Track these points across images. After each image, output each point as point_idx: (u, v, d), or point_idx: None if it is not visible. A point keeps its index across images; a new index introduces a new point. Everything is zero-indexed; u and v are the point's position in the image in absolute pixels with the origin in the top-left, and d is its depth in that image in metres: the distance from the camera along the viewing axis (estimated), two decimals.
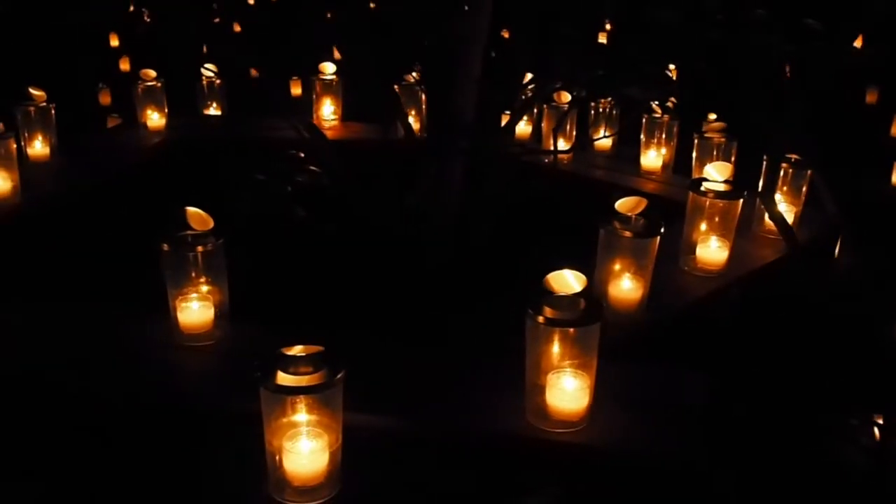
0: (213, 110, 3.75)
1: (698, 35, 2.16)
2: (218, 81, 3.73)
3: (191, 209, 1.81)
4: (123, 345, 1.84)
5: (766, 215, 2.43)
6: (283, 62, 4.50)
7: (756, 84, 2.24)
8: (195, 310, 1.83)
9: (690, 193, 2.19)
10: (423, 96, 3.33)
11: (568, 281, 1.55)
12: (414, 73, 3.38)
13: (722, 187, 2.16)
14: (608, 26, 4.38)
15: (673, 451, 1.55)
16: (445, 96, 2.33)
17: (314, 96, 3.62)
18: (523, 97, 2.67)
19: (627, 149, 3.27)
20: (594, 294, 1.70)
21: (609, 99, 3.29)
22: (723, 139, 2.70)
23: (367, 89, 2.92)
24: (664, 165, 3.08)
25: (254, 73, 4.88)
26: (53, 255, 2.47)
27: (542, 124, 3.32)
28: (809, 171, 2.41)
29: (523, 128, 3.46)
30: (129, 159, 3.24)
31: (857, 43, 4.80)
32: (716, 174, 2.16)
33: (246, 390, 1.57)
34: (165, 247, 1.78)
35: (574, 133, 3.30)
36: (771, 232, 2.44)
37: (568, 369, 1.55)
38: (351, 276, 2.36)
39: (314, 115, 3.59)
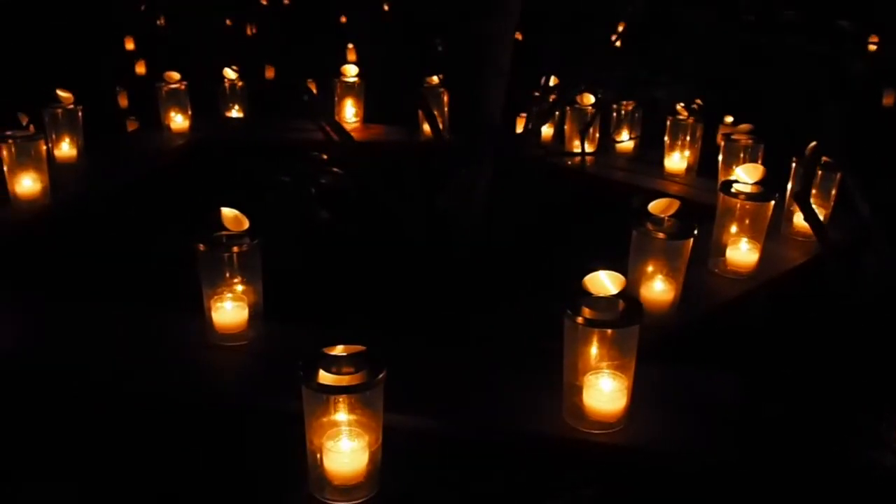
0: (235, 113, 3.76)
1: (729, 36, 2.16)
2: (240, 84, 3.74)
3: (226, 210, 1.82)
4: (158, 344, 1.86)
5: (795, 217, 2.43)
6: (303, 64, 4.51)
7: (790, 85, 2.23)
8: (229, 310, 1.83)
9: (721, 195, 2.19)
10: (446, 98, 3.35)
11: (605, 282, 1.55)
12: (436, 76, 3.39)
13: (753, 189, 2.16)
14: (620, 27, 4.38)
15: (708, 452, 1.55)
16: (473, 98, 2.33)
17: (336, 98, 3.62)
18: (549, 99, 2.66)
19: (650, 151, 3.27)
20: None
21: (632, 101, 3.29)
22: (749, 141, 2.70)
23: (393, 90, 2.93)
24: (688, 168, 3.08)
25: (269, 75, 4.90)
26: (82, 256, 2.49)
27: (565, 126, 3.32)
28: (839, 174, 2.41)
29: (545, 130, 3.46)
30: (153, 161, 3.25)
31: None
32: (746, 176, 2.16)
33: (280, 390, 1.61)
34: (201, 247, 1.79)
35: (597, 135, 3.29)
36: (799, 234, 2.44)
37: (606, 370, 1.55)
38: (377, 276, 2.37)
39: (335, 117, 3.59)
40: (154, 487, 1.55)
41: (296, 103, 3.71)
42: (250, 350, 1.84)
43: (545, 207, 2.61)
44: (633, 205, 2.97)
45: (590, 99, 3.23)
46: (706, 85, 2.60)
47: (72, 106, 3.01)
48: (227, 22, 6.24)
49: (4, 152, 2.58)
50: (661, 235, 1.92)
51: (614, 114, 3.37)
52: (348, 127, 3.55)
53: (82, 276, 2.35)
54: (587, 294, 1.55)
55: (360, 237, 2.60)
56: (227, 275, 1.82)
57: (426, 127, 3.39)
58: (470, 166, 2.29)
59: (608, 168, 3.24)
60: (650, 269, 1.96)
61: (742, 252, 2.18)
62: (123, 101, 4.44)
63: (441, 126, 3.35)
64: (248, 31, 6.25)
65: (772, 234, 2.28)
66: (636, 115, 3.36)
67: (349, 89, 3.64)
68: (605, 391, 1.55)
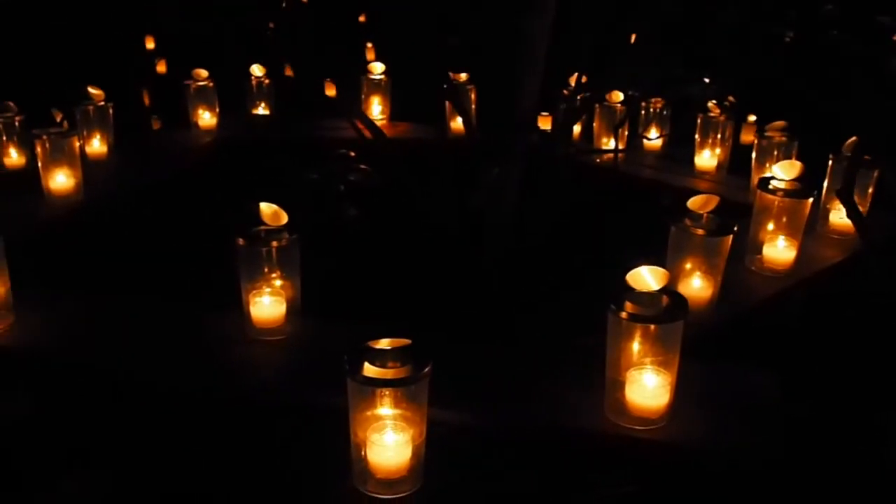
0: (262, 110, 3.76)
1: (764, 34, 2.15)
2: (267, 81, 3.74)
3: (264, 204, 1.82)
4: (196, 339, 1.86)
5: (831, 215, 2.41)
6: (323, 62, 4.51)
7: (831, 82, 2.22)
8: (267, 305, 1.83)
9: (758, 192, 2.17)
10: (473, 95, 3.35)
11: (648, 278, 1.54)
12: (463, 73, 3.39)
13: (789, 186, 2.14)
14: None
15: (751, 450, 1.54)
16: (507, 96, 2.32)
17: (362, 96, 3.63)
18: (581, 96, 2.65)
19: (678, 149, 3.26)
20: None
21: (662, 99, 3.28)
22: (783, 138, 2.68)
23: (417, 88, 2.92)
24: (719, 165, 3.07)
25: (288, 72, 4.90)
26: (115, 252, 2.49)
27: (594, 124, 3.31)
28: (877, 171, 2.39)
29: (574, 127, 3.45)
30: (182, 158, 3.26)
31: None
32: (783, 173, 2.14)
33: (319, 384, 1.63)
34: (241, 241, 1.79)
35: (626, 133, 3.28)
36: (835, 232, 2.42)
37: (649, 366, 1.54)
38: (409, 273, 2.37)
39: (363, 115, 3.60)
40: (193, 481, 1.55)
41: (325, 100, 3.70)
42: (288, 345, 1.84)
43: (575, 205, 2.59)
44: (662, 203, 2.98)
45: (618, 96, 3.23)
46: (743, 83, 2.58)
47: (102, 103, 3.02)
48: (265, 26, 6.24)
49: (39, 148, 2.59)
50: (699, 232, 1.90)
51: (643, 111, 3.36)
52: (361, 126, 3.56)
53: (116, 271, 2.36)
54: (630, 289, 1.54)
55: (388, 234, 2.59)
56: (266, 270, 1.82)
57: (454, 124, 3.40)
58: (503, 164, 2.28)
59: (637, 165, 3.23)
60: (688, 265, 1.94)
61: (779, 249, 2.17)
62: (145, 100, 4.46)
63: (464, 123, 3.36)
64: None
65: (807, 232, 2.26)
66: (665, 112, 3.35)
67: (376, 87, 3.65)
68: (648, 387, 1.54)
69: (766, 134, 2.71)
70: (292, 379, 1.75)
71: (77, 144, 2.66)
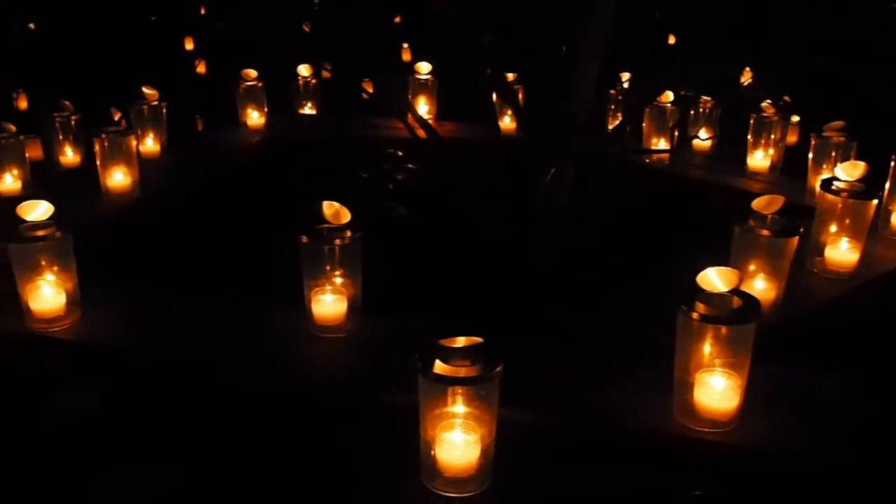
0: (308, 110, 3.78)
1: (828, 33, 2.12)
2: (313, 81, 3.76)
3: (327, 203, 1.82)
4: (258, 336, 1.87)
5: (893, 217, 2.38)
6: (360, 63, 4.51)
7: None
8: (329, 302, 1.84)
9: (821, 193, 2.15)
10: (521, 95, 3.34)
11: (717, 279, 1.52)
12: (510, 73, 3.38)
13: (852, 187, 2.12)
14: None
15: (821, 452, 1.52)
16: (561, 96, 2.31)
17: (409, 95, 3.63)
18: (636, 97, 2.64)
19: (729, 149, 3.23)
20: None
21: (714, 98, 3.26)
22: (842, 138, 2.65)
23: (474, 87, 2.92)
24: (772, 166, 3.04)
25: (325, 74, 4.92)
26: (171, 249, 2.51)
27: (643, 124, 3.29)
28: None
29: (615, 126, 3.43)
30: (233, 157, 3.28)
31: None
32: (846, 174, 2.12)
33: (381, 381, 1.67)
34: (304, 239, 1.80)
35: (676, 133, 3.26)
36: None
37: (718, 368, 1.53)
38: (461, 271, 2.36)
39: (408, 115, 3.60)
40: (258, 477, 1.55)
41: (376, 100, 3.70)
42: (349, 342, 1.84)
43: (627, 205, 2.58)
44: (712, 205, 2.96)
45: (668, 96, 3.20)
46: (805, 82, 2.55)
47: (156, 102, 3.05)
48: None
49: (97, 147, 2.62)
50: (765, 233, 1.88)
51: (692, 111, 3.33)
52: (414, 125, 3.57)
53: (172, 268, 2.37)
54: (700, 290, 1.52)
55: (438, 232, 2.59)
56: (328, 268, 1.83)
57: (503, 123, 3.39)
58: (558, 164, 2.27)
59: (687, 166, 3.21)
60: (752, 267, 1.92)
61: (842, 251, 2.14)
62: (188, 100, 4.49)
63: (514, 123, 3.35)
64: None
65: (869, 234, 2.23)
66: (714, 113, 3.32)
67: (422, 86, 3.65)
68: (717, 389, 1.53)
69: (824, 134, 2.68)
70: (356, 376, 1.75)
71: (134, 143, 2.68)
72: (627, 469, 1.54)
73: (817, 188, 2.21)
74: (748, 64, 2.24)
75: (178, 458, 1.61)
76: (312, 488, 1.53)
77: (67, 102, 3.06)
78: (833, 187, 2.12)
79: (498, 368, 1.36)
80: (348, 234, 1.81)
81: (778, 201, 1.89)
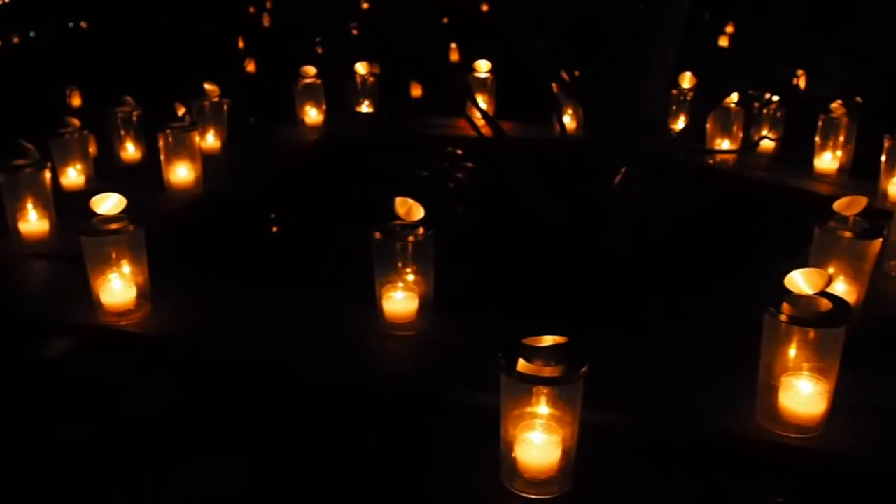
0: (366, 108, 3.77)
1: None
2: (371, 79, 3.75)
3: (400, 199, 1.80)
4: (329, 331, 1.87)
5: None
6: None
7: None
8: (400, 300, 1.82)
9: None
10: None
11: (807, 280, 1.48)
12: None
13: None
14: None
15: None
16: (632, 95, 2.28)
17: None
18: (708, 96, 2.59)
19: (794, 150, 3.17)
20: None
21: (779, 97, 3.20)
22: None
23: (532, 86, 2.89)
24: (840, 168, 2.98)
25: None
26: (236, 245, 2.51)
27: (707, 125, 3.24)
28: None
29: (681, 126, 3.39)
30: (291, 154, 3.29)
31: None
32: None
33: (454, 379, 1.67)
34: (377, 235, 1.78)
35: (740, 133, 3.20)
36: None
37: (805, 372, 1.49)
38: (528, 271, 2.33)
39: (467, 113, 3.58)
40: (331, 475, 1.54)
41: (444, 98, 3.68)
42: (420, 340, 1.82)
43: (696, 206, 2.54)
44: (777, 207, 2.91)
45: (733, 97, 3.15)
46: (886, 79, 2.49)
47: (217, 99, 3.06)
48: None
49: (162, 142, 2.63)
50: (846, 234, 1.84)
51: (755, 112, 3.27)
52: (479, 123, 3.54)
53: (235, 263, 2.37)
54: (787, 291, 1.48)
55: (500, 231, 2.56)
56: (400, 264, 1.81)
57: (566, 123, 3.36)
58: (629, 165, 2.23)
59: (750, 167, 3.15)
60: (832, 269, 1.88)
61: None
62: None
63: (575, 122, 3.32)
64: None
65: None
66: (779, 113, 3.26)
67: (481, 85, 3.62)
68: (803, 394, 1.49)
69: None
70: (429, 374, 1.74)
71: (197, 139, 2.69)
72: (709, 473, 1.50)
73: (890, 191, 2.15)
74: (820, 62, 2.19)
75: (249, 452, 1.59)
76: (387, 488, 1.51)
77: (129, 97, 3.08)
78: None
79: (583, 369, 1.33)
80: (421, 230, 1.79)
81: (860, 202, 1.84)
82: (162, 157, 2.65)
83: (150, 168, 2.87)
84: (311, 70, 3.50)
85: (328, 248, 2.40)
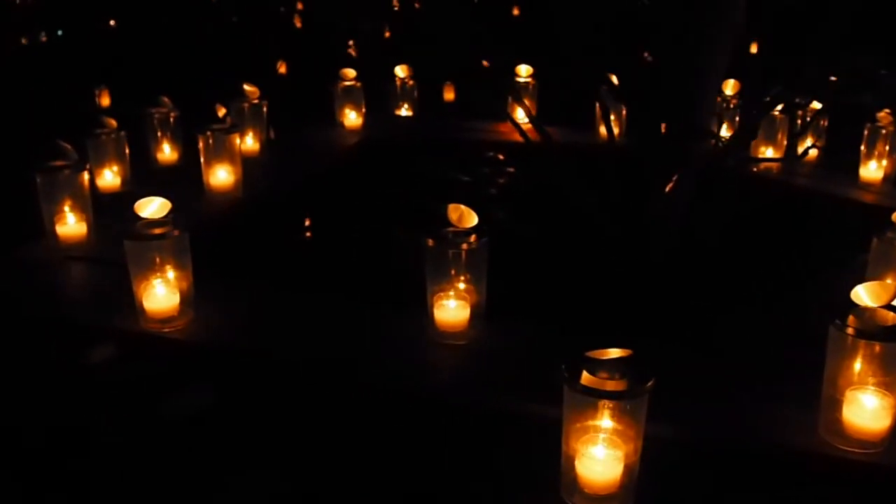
0: (405, 111, 3.75)
1: None
2: (410, 82, 3.73)
3: (453, 205, 1.78)
4: (379, 338, 1.85)
5: None
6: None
7: None
8: (452, 308, 1.79)
9: None
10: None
11: (872, 293, 1.45)
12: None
13: None
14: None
15: None
16: (684, 102, 2.25)
17: (509, 98, 3.58)
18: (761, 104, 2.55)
19: (837, 158, 3.13)
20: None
21: (820, 106, 3.15)
22: None
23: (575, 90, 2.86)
24: (885, 177, 2.93)
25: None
26: (280, 249, 2.49)
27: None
28: None
29: (724, 133, 3.34)
30: (331, 157, 3.27)
31: None
32: None
33: (511, 390, 1.64)
34: (430, 242, 1.76)
35: (784, 141, 3.16)
36: None
37: (871, 386, 1.45)
38: (574, 277, 2.30)
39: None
40: (381, 486, 1.51)
41: (487, 102, 3.65)
42: (471, 350, 1.80)
43: (744, 213, 2.50)
44: (820, 214, 2.86)
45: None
46: None
47: (257, 100, 3.04)
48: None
49: (201, 144, 2.61)
50: None
51: (798, 119, 3.23)
52: (526, 127, 3.51)
53: (276, 267, 2.35)
54: (854, 304, 1.45)
55: (545, 239, 2.53)
56: (453, 272, 1.78)
57: (603, 128, 3.33)
58: (680, 172, 2.20)
59: (794, 175, 3.11)
60: (890, 280, 1.84)
61: None
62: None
63: (618, 128, 3.28)
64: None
65: None
66: (822, 121, 3.22)
67: (522, 89, 3.60)
68: (868, 408, 1.45)
69: None
70: (482, 384, 1.70)
71: (238, 141, 2.67)
72: (774, 488, 1.46)
73: None
74: (870, 70, 2.16)
75: (293, 463, 1.57)
76: (442, 501, 1.48)
77: (166, 98, 3.06)
78: None
79: (650, 383, 1.30)
80: (474, 238, 1.76)
81: None
82: (202, 160, 2.63)
83: (187, 170, 2.86)
84: (350, 73, 3.48)
85: (374, 254, 2.38)
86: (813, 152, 3.17)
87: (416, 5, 7.51)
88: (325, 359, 1.78)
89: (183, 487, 1.48)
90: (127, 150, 2.79)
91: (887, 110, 2.85)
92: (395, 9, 7.38)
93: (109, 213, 2.38)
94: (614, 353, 1.32)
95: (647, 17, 2.23)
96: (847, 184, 2.99)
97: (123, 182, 2.78)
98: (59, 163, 2.26)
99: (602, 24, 2.33)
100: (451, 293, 1.79)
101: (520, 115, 3.52)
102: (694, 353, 1.76)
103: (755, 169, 3.07)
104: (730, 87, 3.26)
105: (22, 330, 1.94)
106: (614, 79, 3.26)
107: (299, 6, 7.34)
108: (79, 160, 2.29)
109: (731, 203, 2.38)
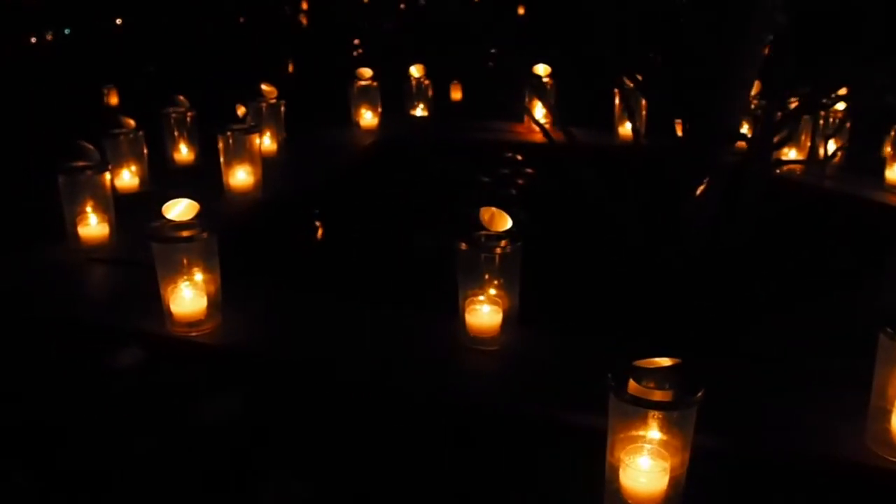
0: (420, 111, 3.72)
1: None
2: (426, 82, 3.70)
3: (484, 207, 1.74)
4: (409, 343, 1.81)
5: None
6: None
7: None
8: (485, 313, 1.76)
9: None
10: (644, 101, 3.23)
11: None
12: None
13: None
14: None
15: None
16: (713, 103, 2.21)
17: (526, 99, 3.55)
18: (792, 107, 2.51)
19: (861, 160, 3.09)
20: None
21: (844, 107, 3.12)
22: None
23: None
24: None
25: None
26: (303, 251, 2.46)
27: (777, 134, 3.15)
28: None
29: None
30: (348, 157, 3.24)
31: None
32: None
33: (546, 397, 1.60)
34: (463, 246, 1.72)
35: (808, 143, 3.12)
36: None
37: None
38: (600, 281, 2.26)
39: (525, 118, 3.52)
40: (417, 493, 1.48)
41: (509, 104, 3.62)
42: (503, 355, 1.76)
43: (771, 216, 2.46)
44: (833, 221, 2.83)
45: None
46: None
47: (274, 100, 3.00)
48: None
49: (221, 144, 2.57)
50: None
51: (822, 121, 3.19)
52: (537, 128, 3.48)
53: (302, 271, 2.32)
54: None
55: (569, 240, 2.50)
56: (486, 276, 1.74)
57: (622, 129, 3.30)
58: (711, 175, 2.17)
59: (819, 177, 3.07)
60: None
61: None
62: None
63: (640, 130, 3.24)
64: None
65: None
66: (846, 123, 3.18)
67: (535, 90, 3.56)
68: None
69: None
70: (511, 390, 1.67)
71: (257, 141, 2.63)
72: (821, 499, 1.43)
73: None
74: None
75: (321, 469, 1.54)
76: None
77: (181, 97, 3.03)
78: None
79: (699, 393, 1.27)
80: (507, 242, 1.73)
81: None
82: (221, 160, 2.59)
83: (204, 170, 2.83)
84: (367, 72, 3.44)
85: (400, 256, 2.34)
86: (838, 153, 3.14)
87: (422, 1, 7.50)
88: (356, 364, 1.74)
89: (210, 492, 1.45)
90: (145, 151, 2.76)
91: None
92: (401, 7, 7.37)
93: (129, 213, 2.35)
94: (663, 362, 1.28)
95: (684, 16, 2.20)
96: (872, 186, 2.95)
97: (142, 182, 2.75)
98: (80, 163, 2.23)
99: (632, 23, 2.29)
100: (481, 298, 1.75)
101: (538, 113, 3.49)
102: (732, 362, 1.72)
103: (779, 171, 3.03)
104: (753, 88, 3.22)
105: (45, 332, 1.91)
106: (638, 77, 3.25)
107: (304, 6, 7.32)
108: (101, 160, 2.25)
109: (758, 206, 2.34)
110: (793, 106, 2.56)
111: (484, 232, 1.74)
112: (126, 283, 2.10)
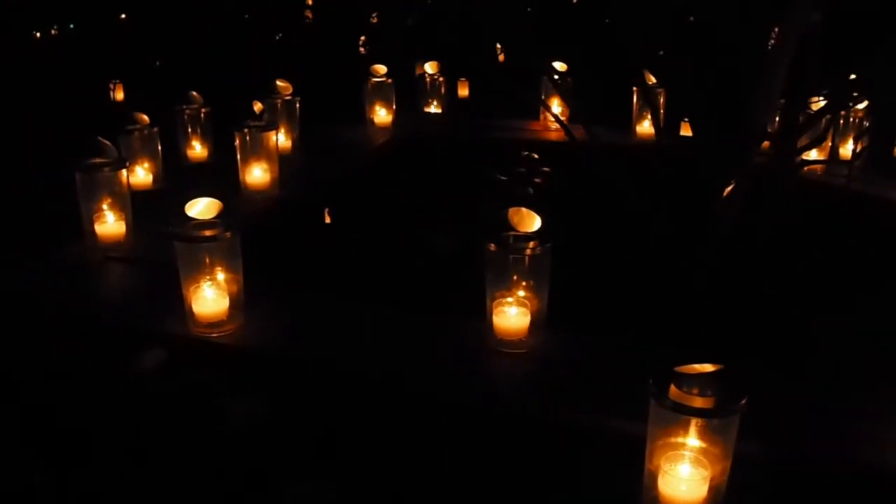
0: (434, 108, 3.69)
1: None
2: (440, 79, 3.66)
3: (513, 208, 1.71)
4: (435, 345, 1.78)
5: None
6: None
7: None
8: (513, 315, 1.73)
9: None
10: (662, 98, 3.20)
11: None
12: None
13: None
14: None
15: None
16: (741, 103, 2.17)
17: (542, 97, 3.51)
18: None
19: (882, 160, 3.06)
20: None
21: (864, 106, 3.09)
22: None
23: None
24: None
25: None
26: (319, 249, 2.43)
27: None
28: None
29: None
30: (363, 155, 3.21)
31: None
32: None
33: (568, 401, 1.58)
34: (492, 247, 1.69)
35: (829, 144, 3.09)
36: None
37: None
38: (633, 284, 2.23)
39: (540, 116, 3.49)
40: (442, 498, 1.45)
41: (527, 100, 3.58)
42: (531, 358, 1.72)
43: (797, 215, 2.43)
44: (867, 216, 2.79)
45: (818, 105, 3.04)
46: None
47: (290, 97, 2.97)
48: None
49: (238, 141, 2.54)
50: None
51: (841, 121, 3.16)
52: (552, 126, 3.45)
53: (322, 271, 2.29)
54: None
55: (590, 241, 2.47)
56: (515, 278, 1.71)
57: (640, 128, 3.27)
58: (739, 176, 2.13)
59: (838, 176, 3.04)
60: None
61: None
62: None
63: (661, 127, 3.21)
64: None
65: None
66: (864, 122, 3.15)
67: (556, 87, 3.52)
68: None
69: None
70: (540, 394, 1.64)
71: (274, 139, 2.60)
72: None
73: None
74: None
75: (350, 471, 1.51)
76: None
77: (195, 93, 3.00)
78: None
79: (743, 401, 1.23)
80: (537, 243, 1.70)
81: None
82: (238, 157, 2.56)
83: (218, 167, 2.80)
84: (381, 69, 3.41)
85: (422, 257, 2.31)
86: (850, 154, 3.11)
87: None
88: (380, 367, 1.71)
89: (233, 495, 1.44)
90: (159, 147, 2.73)
91: None
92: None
93: (143, 211, 2.32)
94: (705, 367, 1.25)
95: (710, 17, 2.16)
96: (893, 186, 2.92)
97: (156, 179, 2.71)
98: (97, 160, 2.19)
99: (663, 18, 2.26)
100: (509, 300, 1.72)
101: (555, 110, 3.46)
102: (770, 368, 1.69)
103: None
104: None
105: (64, 333, 1.88)
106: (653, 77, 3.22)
107: (309, 1, 7.28)
108: (118, 158, 2.22)
109: (784, 206, 2.31)
110: (816, 107, 2.54)
111: (513, 233, 1.71)
112: (144, 283, 2.08)
